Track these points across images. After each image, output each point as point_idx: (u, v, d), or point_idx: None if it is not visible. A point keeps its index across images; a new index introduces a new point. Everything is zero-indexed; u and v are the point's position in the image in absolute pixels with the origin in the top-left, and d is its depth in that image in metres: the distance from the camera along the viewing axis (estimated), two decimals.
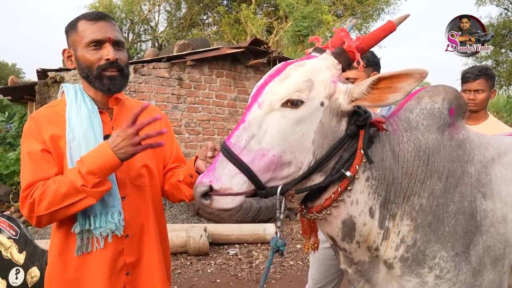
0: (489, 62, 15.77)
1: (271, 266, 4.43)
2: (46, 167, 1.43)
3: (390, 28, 1.30)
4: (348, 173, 1.23)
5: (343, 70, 1.29)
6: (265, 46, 7.06)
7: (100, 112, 1.55)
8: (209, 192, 1.17)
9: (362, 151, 1.24)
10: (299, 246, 5.10)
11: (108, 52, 1.48)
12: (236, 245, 5.05)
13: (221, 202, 1.18)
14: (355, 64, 1.29)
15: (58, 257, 1.47)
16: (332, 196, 1.26)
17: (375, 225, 1.31)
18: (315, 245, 1.50)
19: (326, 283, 2.36)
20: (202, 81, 6.93)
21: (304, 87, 1.20)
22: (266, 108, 1.21)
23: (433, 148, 1.31)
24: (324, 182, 1.25)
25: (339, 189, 1.25)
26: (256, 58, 7.12)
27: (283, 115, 1.20)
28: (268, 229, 5.21)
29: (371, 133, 1.29)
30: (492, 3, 16.03)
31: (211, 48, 7.04)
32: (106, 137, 1.50)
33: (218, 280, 4.05)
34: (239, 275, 4.18)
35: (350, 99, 1.23)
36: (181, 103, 6.70)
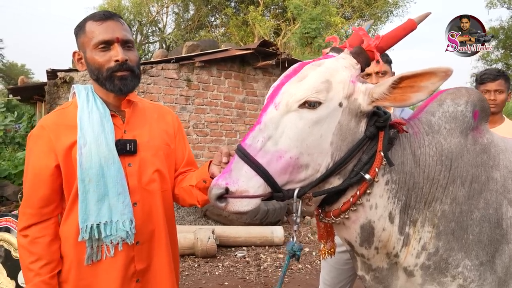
0: (499, 65, 15.60)
1: (279, 269, 4.37)
2: (44, 187, 1.43)
3: (410, 27, 1.26)
4: (367, 176, 1.19)
5: (362, 70, 1.25)
6: (273, 47, 7.03)
7: (112, 115, 1.51)
8: (225, 195, 1.13)
9: (382, 153, 1.20)
10: (307, 249, 5.06)
11: (117, 53, 1.43)
12: (244, 248, 5.01)
13: (237, 205, 1.14)
14: (374, 63, 1.25)
15: (70, 265, 1.44)
16: (351, 199, 1.22)
17: (395, 230, 1.27)
18: (332, 250, 1.46)
19: None
20: (211, 82, 6.91)
21: (322, 87, 1.17)
22: (283, 109, 1.18)
23: (456, 152, 1.26)
24: (342, 185, 1.21)
25: (358, 193, 1.21)
26: (265, 59, 7.09)
27: (301, 116, 1.16)
28: (276, 232, 5.17)
29: (391, 135, 1.25)
30: (503, 6, 15.88)
31: (220, 49, 7.03)
32: (117, 142, 1.46)
33: (226, 283, 4.01)
34: (247, 278, 4.14)
35: (370, 99, 1.19)
36: (189, 104, 6.69)
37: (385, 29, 20.77)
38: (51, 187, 1.43)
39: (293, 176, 1.18)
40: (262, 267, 4.43)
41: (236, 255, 4.77)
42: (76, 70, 5.75)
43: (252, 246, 5.06)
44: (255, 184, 1.15)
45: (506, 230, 1.22)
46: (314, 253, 4.92)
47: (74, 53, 1.54)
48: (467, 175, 1.25)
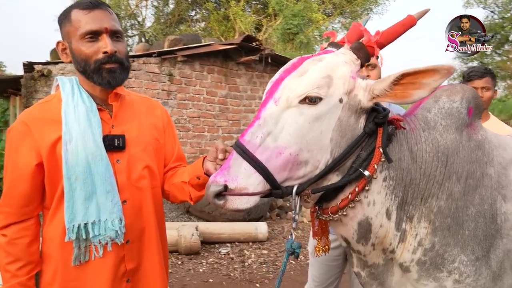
0: (475, 63, 16.03)
1: (264, 265, 4.37)
2: (24, 186, 1.36)
3: (410, 23, 1.26)
4: (366, 173, 1.19)
5: (362, 66, 1.24)
6: (257, 43, 6.99)
7: (99, 110, 1.44)
8: (223, 192, 1.11)
9: (381, 150, 1.20)
10: None
11: (106, 44, 1.36)
12: (228, 244, 4.99)
13: (236, 203, 1.12)
14: (374, 59, 1.24)
15: (56, 266, 1.37)
16: (349, 196, 1.22)
17: (392, 227, 1.27)
18: (326, 247, 1.45)
19: (328, 284, 2.32)
20: (193, 77, 6.82)
21: (323, 83, 1.15)
22: (283, 105, 1.15)
23: (452, 148, 1.27)
24: (341, 181, 1.21)
25: (357, 189, 1.21)
26: (248, 55, 7.04)
27: (301, 112, 1.14)
28: (260, 228, 5.16)
29: (389, 131, 1.24)
30: (479, 6, 16.33)
31: (203, 44, 6.94)
32: (105, 137, 1.41)
33: (211, 280, 3.97)
34: (232, 274, 4.12)
35: (371, 95, 1.18)
36: (171, 99, 6.59)
37: (366, 27, 20.96)
38: (32, 185, 1.36)
39: (292, 172, 1.17)
40: (246, 264, 4.42)
41: (220, 252, 4.74)
42: (54, 63, 5.57)
43: (236, 243, 5.04)
44: (255, 181, 1.13)
45: (500, 225, 1.24)
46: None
47: (58, 43, 1.46)
48: (462, 171, 1.26)
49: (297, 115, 1.14)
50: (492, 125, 2.45)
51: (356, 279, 2.30)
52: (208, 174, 1.37)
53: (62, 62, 5.64)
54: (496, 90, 2.65)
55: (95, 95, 1.46)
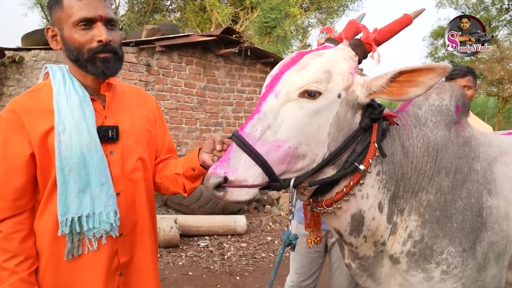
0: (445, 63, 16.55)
1: (243, 258, 4.40)
2: (19, 177, 1.30)
3: (406, 22, 1.29)
4: (362, 167, 1.22)
5: (359, 62, 1.27)
6: (236, 35, 6.95)
7: (91, 100, 1.40)
8: (223, 184, 1.11)
9: (376, 145, 1.23)
10: (269, 238, 5.12)
11: (101, 33, 1.32)
12: (206, 237, 4.98)
13: (236, 194, 1.13)
14: (371, 56, 1.27)
15: (46, 261, 1.33)
16: (344, 189, 1.25)
17: (384, 219, 1.31)
18: (318, 239, 1.48)
19: (310, 276, 2.36)
20: (171, 68, 6.71)
21: (323, 78, 1.17)
22: (283, 98, 1.17)
23: (442, 144, 1.32)
24: (337, 175, 1.23)
25: (351, 183, 1.24)
26: (227, 47, 6.99)
27: (300, 106, 1.16)
28: (239, 221, 5.18)
29: (383, 127, 1.28)
30: (451, 6, 16.85)
31: (182, 34, 6.84)
32: (99, 128, 1.37)
33: (190, 273, 3.96)
34: (211, 267, 4.12)
35: (368, 92, 1.21)
36: (149, 90, 6.47)
37: (341, 22, 21.25)
38: (26, 177, 1.31)
39: (290, 165, 1.18)
40: (226, 256, 4.43)
41: (199, 245, 4.73)
42: (27, 50, 5.34)
43: (215, 236, 5.03)
44: (254, 174, 1.14)
45: (485, 219, 1.30)
46: (276, 242, 5.00)
47: (48, 29, 1.40)
48: (451, 166, 1.31)
49: (297, 109, 1.16)
50: (472, 122, 2.54)
51: (336, 271, 2.37)
52: (204, 166, 1.37)
53: (35, 49, 5.43)
54: (477, 89, 2.75)
55: (86, 84, 1.42)
